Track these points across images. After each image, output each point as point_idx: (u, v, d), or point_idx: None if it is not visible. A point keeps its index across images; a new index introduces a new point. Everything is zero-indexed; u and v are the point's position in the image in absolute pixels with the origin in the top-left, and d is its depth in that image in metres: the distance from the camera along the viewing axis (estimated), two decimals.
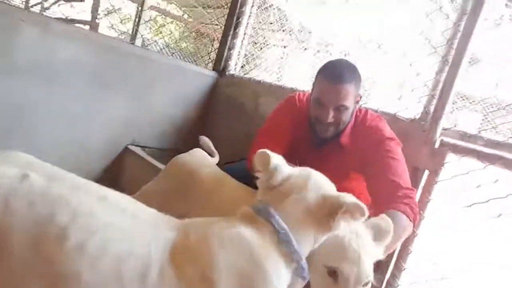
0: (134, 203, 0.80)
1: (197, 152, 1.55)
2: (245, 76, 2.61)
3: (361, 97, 1.45)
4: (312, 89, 1.45)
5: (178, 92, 2.55)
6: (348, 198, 0.83)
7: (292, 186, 0.87)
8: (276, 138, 1.47)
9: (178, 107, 2.59)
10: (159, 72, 2.38)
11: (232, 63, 2.73)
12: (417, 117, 1.72)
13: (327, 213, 0.83)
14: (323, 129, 1.40)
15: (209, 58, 3.15)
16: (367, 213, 0.81)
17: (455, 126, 1.60)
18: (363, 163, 1.37)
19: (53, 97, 1.90)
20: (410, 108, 1.75)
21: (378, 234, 0.97)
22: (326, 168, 1.25)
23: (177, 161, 1.51)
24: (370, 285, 0.92)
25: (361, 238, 0.92)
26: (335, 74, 1.33)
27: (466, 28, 1.54)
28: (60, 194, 0.70)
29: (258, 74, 2.77)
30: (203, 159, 1.52)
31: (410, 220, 1.19)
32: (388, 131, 1.42)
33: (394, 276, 1.63)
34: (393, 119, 1.79)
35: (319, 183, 0.89)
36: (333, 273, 0.89)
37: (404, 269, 1.60)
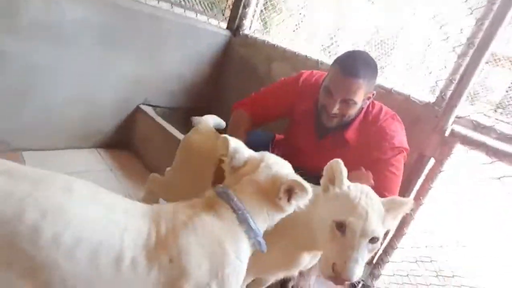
0: (103, 193, 0.83)
1: (203, 127, 1.54)
2: (260, 38, 2.50)
3: (374, 94, 1.39)
4: (326, 75, 1.40)
5: (190, 51, 2.50)
6: (291, 176, 0.89)
7: (248, 168, 0.95)
8: (265, 106, 1.53)
9: (190, 66, 2.56)
10: (170, 30, 2.31)
11: (246, 22, 2.60)
12: (432, 101, 1.65)
13: (276, 193, 0.89)
14: (327, 118, 1.38)
15: (227, 3, 2.97)
16: (309, 190, 0.87)
17: (469, 115, 1.55)
18: (364, 161, 1.35)
19: (63, 58, 1.90)
20: (426, 91, 1.68)
21: (392, 207, 1.02)
22: (328, 159, 1.26)
23: (186, 144, 1.49)
24: (379, 244, 0.99)
25: (371, 199, 0.99)
26: (350, 66, 1.28)
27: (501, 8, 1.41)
28: (24, 191, 0.71)
29: (278, 23, 2.58)
30: (211, 133, 1.50)
31: None
32: (399, 139, 1.37)
33: (386, 252, 1.72)
34: (406, 101, 1.74)
35: (271, 165, 0.95)
36: (340, 227, 0.96)
37: (397, 247, 1.68)
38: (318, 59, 2.16)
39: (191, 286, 0.79)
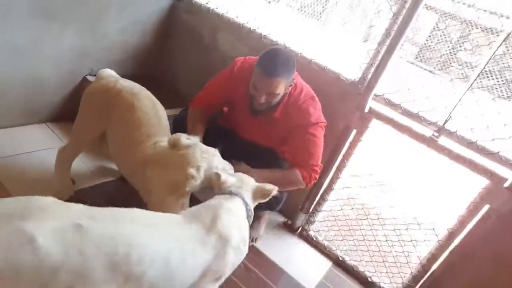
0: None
1: (104, 73, 1.70)
2: (205, 5, 2.53)
3: (293, 82, 1.68)
4: (253, 72, 1.63)
5: (133, 18, 2.46)
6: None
7: None
8: (210, 99, 1.84)
9: (134, 33, 2.53)
10: None
11: None
12: (356, 80, 1.97)
13: None
14: (257, 104, 1.68)
15: None
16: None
17: (383, 94, 1.90)
18: (289, 133, 1.72)
19: None
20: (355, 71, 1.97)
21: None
22: (260, 132, 1.80)
23: (89, 89, 1.67)
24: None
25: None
26: (270, 68, 1.56)
27: (409, 10, 1.70)
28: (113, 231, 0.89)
29: None
30: (112, 77, 1.68)
31: (304, 182, 1.68)
32: (315, 116, 1.70)
33: (319, 204, 2.14)
34: (336, 78, 2.03)
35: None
36: None
37: (327, 200, 2.10)
38: (261, 33, 2.31)
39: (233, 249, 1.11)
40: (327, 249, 2.14)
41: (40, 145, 2.10)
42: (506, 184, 1.60)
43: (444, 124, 1.72)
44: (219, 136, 1.83)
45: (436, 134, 1.73)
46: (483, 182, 1.66)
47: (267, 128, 1.78)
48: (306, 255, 2.09)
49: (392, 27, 1.79)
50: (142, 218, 1.00)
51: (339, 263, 2.10)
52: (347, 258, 2.10)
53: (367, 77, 1.91)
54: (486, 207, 1.66)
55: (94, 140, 1.74)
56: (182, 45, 2.72)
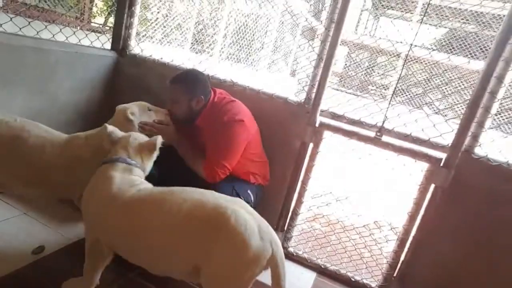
0: None
1: None
2: (149, 57, 2.68)
3: (202, 98, 1.91)
4: None
5: (81, 77, 2.50)
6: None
7: (123, 140, 1.53)
8: None
9: (83, 92, 2.56)
10: (58, 61, 2.28)
11: (132, 42, 2.73)
12: (302, 101, 2.23)
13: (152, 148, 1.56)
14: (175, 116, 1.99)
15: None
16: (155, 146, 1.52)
17: (328, 109, 2.17)
18: (211, 136, 1.89)
19: None
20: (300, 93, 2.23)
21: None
22: (197, 141, 1.97)
23: None
24: None
25: None
26: (173, 78, 1.91)
27: (333, 36, 2.03)
28: None
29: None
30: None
31: (204, 171, 1.83)
32: (228, 115, 1.87)
33: (292, 219, 2.27)
34: (285, 102, 2.28)
35: (137, 137, 1.56)
36: None
37: (299, 213, 2.24)
38: (209, 74, 2.50)
39: None
40: (309, 260, 2.24)
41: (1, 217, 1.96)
42: (441, 164, 1.91)
43: (383, 124, 2.02)
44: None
45: (379, 133, 2.02)
46: (424, 166, 1.95)
47: (199, 137, 1.97)
48: (292, 271, 2.16)
49: (323, 52, 2.10)
50: None
51: (322, 271, 2.20)
52: (328, 265, 2.22)
53: (311, 97, 2.18)
54: (432, 186, 1.94)
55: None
56: (132, 98, 2.78)
